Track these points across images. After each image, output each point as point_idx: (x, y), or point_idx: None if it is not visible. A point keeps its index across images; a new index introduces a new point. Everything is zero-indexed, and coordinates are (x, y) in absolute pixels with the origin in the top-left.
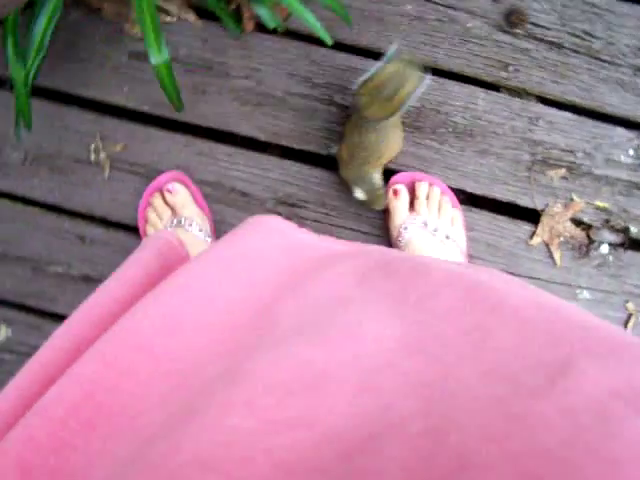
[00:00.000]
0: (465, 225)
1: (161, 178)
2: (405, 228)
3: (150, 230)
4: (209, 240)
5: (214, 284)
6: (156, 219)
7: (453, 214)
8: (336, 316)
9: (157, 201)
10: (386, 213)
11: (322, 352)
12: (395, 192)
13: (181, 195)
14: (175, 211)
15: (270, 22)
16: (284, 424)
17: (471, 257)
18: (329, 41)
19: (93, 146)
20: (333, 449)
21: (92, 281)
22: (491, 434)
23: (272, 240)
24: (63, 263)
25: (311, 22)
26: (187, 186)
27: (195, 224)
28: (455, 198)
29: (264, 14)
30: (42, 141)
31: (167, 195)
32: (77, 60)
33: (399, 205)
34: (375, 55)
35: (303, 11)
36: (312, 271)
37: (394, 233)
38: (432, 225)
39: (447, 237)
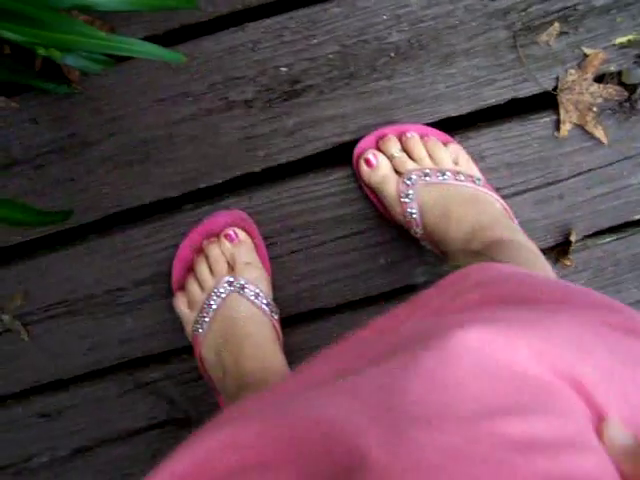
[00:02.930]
0: (470, 156)
1: (218, 218)
2: (406, 194)
3: (193, 286)
4: (266, 309)
5: None
6: (206, 273)
7: (450, 151)
8: None
9: (214, 250)
10: (372, 196)
11: None
12: (368, 162)
13: (245, 246)
14: (234, 267)
15: (94, 67)
16: None
17: (498, 189)
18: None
19: None
20: None
21: (84, 450)
22: None
23: None
24: (43, 450)
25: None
26: (251, 236)
27: (257, 289)
28: (442, 133)
29: (79, 62)
30: None
31: (225, 243)
32: None
33: (381, 173)
34: None
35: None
36: None
37: (396, 208)
38: (433, 172)
39: (459, 173)
